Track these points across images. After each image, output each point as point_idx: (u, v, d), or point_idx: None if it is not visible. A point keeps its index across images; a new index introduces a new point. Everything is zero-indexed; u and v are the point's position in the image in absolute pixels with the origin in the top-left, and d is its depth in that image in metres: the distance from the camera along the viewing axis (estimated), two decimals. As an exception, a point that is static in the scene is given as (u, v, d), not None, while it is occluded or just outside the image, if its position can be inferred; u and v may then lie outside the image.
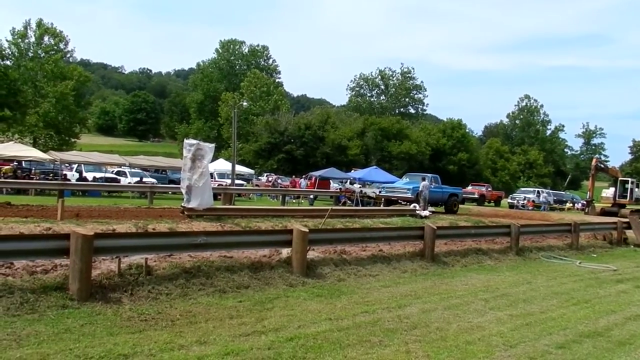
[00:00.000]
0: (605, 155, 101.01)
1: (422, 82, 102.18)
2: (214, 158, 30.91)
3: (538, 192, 47.90)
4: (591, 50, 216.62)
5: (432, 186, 26.77)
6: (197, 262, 8.81)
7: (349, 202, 29.44)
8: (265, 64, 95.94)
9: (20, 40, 56.56)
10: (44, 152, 34.83)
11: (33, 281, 7.14)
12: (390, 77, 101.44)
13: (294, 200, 33.36)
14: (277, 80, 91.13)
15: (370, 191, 31.21)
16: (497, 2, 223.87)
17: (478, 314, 7.75)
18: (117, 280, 7.64)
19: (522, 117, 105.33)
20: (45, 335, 5.62)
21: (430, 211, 22.52)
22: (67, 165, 33.99)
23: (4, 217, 12.10)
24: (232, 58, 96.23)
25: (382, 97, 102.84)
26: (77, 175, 31.97)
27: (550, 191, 54.39)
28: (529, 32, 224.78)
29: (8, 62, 53.63)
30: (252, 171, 53.14)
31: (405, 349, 5.88)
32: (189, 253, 9.04)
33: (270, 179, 49.12)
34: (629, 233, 20.34)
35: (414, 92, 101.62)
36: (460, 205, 28.97)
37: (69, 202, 17.75)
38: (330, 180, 39.07)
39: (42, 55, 57.58)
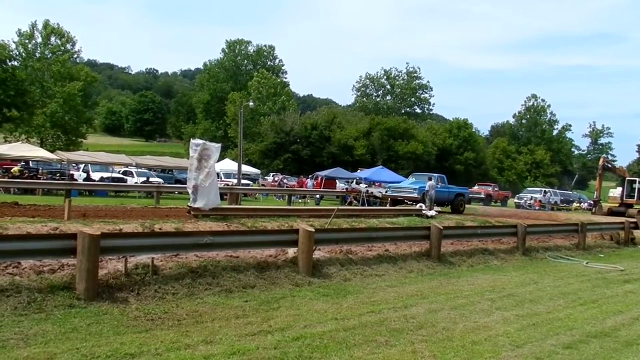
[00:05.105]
0: (612, 155, 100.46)
1: (428, 81, 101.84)
2: (220, 158, 31.03)
3: (545, 191, 47.70)
4: (601, 49, 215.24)
5: (439, 186, 26.70)
6: (204, 262, 8.82)
7: (355, 202, 29.41)
8: (272, 64, 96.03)
9: (27, 41, 56.88)
10: (51, 152, 35.04)
11: (40, 281, 7.17)
12: (396, 77, 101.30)
13: (300, 200, 33.38)
14: (283, 80, 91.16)
15: (376, 191, 31.17)
16: (506, 1, 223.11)
17: (484, 314, 7.73)
18: (124, 279, 7.66)
19: (528, 116, 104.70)
20: (52, 334, 5.64)
21: (436, 211, 22.45)
22: (74, 165, 34.14)
23: (12, 217, 12.17)
24: (238, 58, 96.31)
25: (388, 97, 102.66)
26: (84, 175, 32.09)
27: (557, 191, 54.18)
28: (537, 31, 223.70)
29: (15, 63, 53.91)
30: (258, 171, 53.23)
31: (412, 349, 5.87)
32: (195, 253, 9.06)
33: (276, 178, 49.18)
34: (637, 233, 20.28)
35: (420, 91, 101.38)
36: (467, 205, 28.88)
37: (76, 202, 17.82)
38: (337, 180, 39.11)
39: (49, 56, 57.89)
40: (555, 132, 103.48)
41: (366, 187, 31.87)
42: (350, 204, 28.66)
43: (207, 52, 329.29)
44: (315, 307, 7.52)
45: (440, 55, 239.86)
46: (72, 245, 7.15)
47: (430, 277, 10.63)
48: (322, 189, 35.14)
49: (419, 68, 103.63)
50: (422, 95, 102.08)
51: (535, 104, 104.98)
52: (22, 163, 31.45)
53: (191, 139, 14.66)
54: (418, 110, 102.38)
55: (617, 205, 31.47)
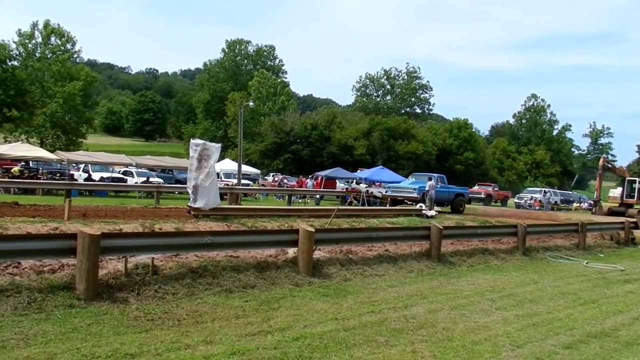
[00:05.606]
0: (612, 155, 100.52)
1: (428, 81, 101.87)
2: (220, 158, 31.03)
3: (545, 192, 47.70)
4: (601, 49, 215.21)
5: (439, 186, 26.70)
6: (204, 262, 8.82)
7: (355, 202, 29.41)
8: (272, 64, 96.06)
9: (27, 41, 56.89)
10: (51, 152, 35.04)
11: (40, 281, 7.17)
12: (396, 77, 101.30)
13: (300, 200, 33.38)
14: (283, 80, 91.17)
15: (376, 191, 31.17)
16: (506, 1, 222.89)
17: (484, 314, 7.73)
18: (124, 279, 7.66)
19: (528, 116, 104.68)
20: (53, 334, 5.64)
21: (436, 211, 22.44)
22: (74, 165, 34.14)
23: (12, 217, 12.18)
24: (238, 58, 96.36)
25: (388, 97, 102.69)
26: (85, 175, 32.09)
27: (557, 191, 54.16)
28: (537, 32, 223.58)
29: (15, 63, 53.92)
30: (258, 171, 53.24)
31: (412, 349, 5.87)
32: (195, 253, 9.06)
33: (276, 179, 49.19)
34: (637, 233, 20.28)
35: (420, 91, 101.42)
36: (467, 205, 28.88)
37: (76, 202, 17.83)
38: (337, 180, 39.10)
39: (49, 56, 57.89)
40: (555, 132, 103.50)
41: (366, 187, 31.88)
42: (350, 204, 28.65)
43: (207, 52, 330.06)
44: (316, 307, 7.52)
45: (440, 55, 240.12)
46: (72, 245, 7.15)
47: (431, 277, 10.63)
48: (322, 189, 35.13)
49: (419, 68, 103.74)
50: (422, 95, 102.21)
51: (535, 104, 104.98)
52: (22, 163, 31.46)
53: (191, 139, 14.66)
54: (418, 110, 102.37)
55: (617, 205, 31.46)
